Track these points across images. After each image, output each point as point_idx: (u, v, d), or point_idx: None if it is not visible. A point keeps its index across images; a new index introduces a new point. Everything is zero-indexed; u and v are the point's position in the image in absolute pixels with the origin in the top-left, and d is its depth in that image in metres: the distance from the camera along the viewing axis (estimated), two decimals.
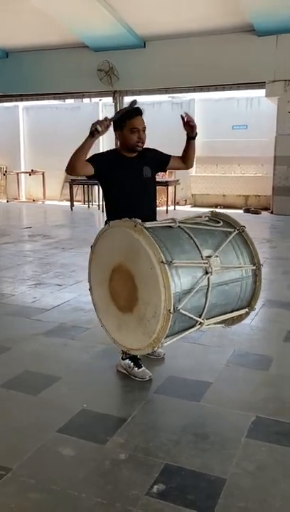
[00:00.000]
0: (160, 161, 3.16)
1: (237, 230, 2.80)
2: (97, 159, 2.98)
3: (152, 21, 11.01)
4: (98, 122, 2.82)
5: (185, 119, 3.04)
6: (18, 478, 2.11)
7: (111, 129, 2.90)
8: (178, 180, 12.57)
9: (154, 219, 3.07)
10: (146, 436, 2.42)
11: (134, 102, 2.92)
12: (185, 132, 3.11)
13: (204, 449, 2.32)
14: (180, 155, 3.26)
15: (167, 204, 11.96)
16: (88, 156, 2.92)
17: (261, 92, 11.87)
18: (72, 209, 12.87)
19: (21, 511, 1.93)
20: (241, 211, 12.02)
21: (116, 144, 3.27)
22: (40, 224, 10.51)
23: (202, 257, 2.53)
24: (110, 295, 2.69)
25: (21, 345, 3.59)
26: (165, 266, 2.31)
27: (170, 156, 3.22)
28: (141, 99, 14.19)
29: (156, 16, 10.68)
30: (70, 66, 12.75)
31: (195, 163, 15.11)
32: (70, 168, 2.89)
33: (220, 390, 2.90)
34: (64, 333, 3.85)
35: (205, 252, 2.56)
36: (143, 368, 3.06)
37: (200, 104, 13.84)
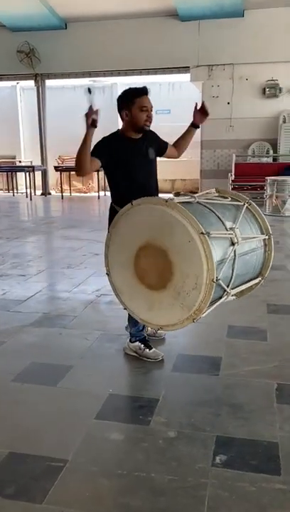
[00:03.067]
0: (160, 145, 3.13)
1: (246, 203, 2.90)
2: (102, 151, 2.86)
3: (74, 2, 10.75)
4: (92, 112, 2.70)
5: (203, 107, 3.09)
6: (79, 467, 2.06)
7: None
8: None
9: None
10: (186, 413, 2.47)
11: (89, 90, 2.78)
12: (191, 120, 3.16)
13: (245, 418, 2.42)
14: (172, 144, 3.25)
15: (98, 190, 11.86)
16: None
17: (184, 77, 12.12)
18: None
19: (100, 497, 1.89)
20: (171, 195, 12.24)
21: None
22: None
23: (226, 228, 2.59)
24: (137, 276, 2.66)
25: (15, 337, 3.44)
26: (206, 237, 2.35)
27: (167, 143, 3.21)
28: (62, 83, 13.90)
29: None
30: None
31: None
32: (80, 170, 2.80)
33: (232, 363, 3.02)
34: (52, 322, 3.74)
35: (228, 224, 2.63)
36: (154, 348, 3.09)
37: (123, 88, 13.71)
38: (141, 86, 2.89)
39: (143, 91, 2.86)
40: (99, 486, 1.96)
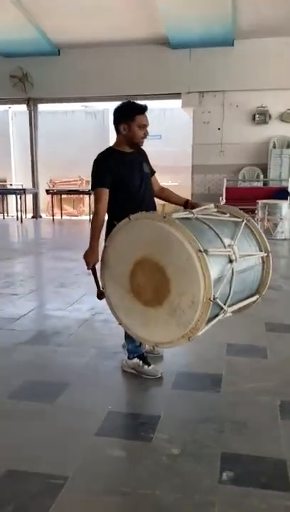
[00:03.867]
0: (149, 167, 3.11)
1: (244, 220, 2.89)
2: (107, 178, 2.86)
3: (67, 29, 10.95)
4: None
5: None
6: (80, 484, 1.97)
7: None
8: None
9: None
10: (188, 429, 2.39)
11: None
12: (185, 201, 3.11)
13: (249, 435, 2.35)
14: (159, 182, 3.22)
15: (89, 213, 11.85)
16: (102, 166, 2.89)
17: (175, 103, 12.32)
18: None
19: None
20: None
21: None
22: None
23: (224, 245, 2.57)
24: (132, 291, 2.61)
25: (9, 355, 3.35)
26: (204, 255, 2.31)
27: (155, 171, 3.16)
28: (54, 107, 14.01)
29: (71, 23, 10.62)
30: None
31: None
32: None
33: (234, 380, 2.95)
34: (48, 340, 3.66)
35: (226, 241, 2.60)
36: (153, 365, 3.02)
37: None
38: (141, 103, 2.89)
39: (144, 109, 2.86)
40: (102, 504, 1.87)
